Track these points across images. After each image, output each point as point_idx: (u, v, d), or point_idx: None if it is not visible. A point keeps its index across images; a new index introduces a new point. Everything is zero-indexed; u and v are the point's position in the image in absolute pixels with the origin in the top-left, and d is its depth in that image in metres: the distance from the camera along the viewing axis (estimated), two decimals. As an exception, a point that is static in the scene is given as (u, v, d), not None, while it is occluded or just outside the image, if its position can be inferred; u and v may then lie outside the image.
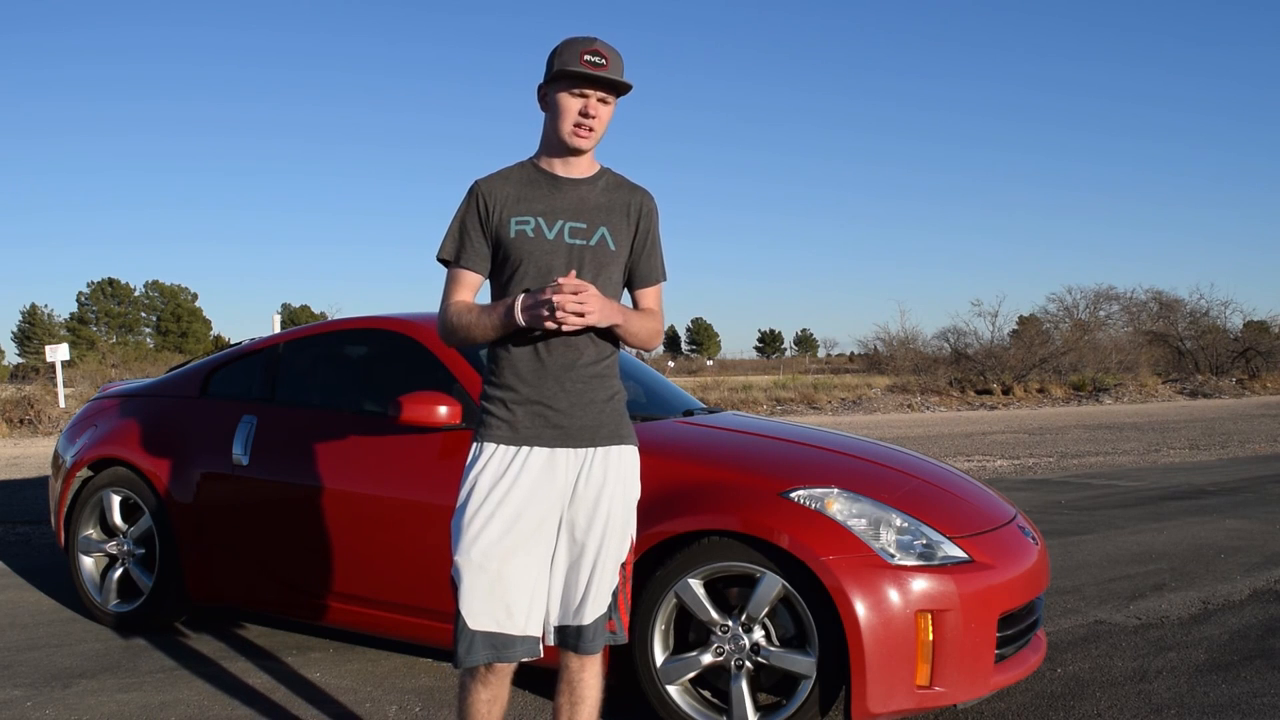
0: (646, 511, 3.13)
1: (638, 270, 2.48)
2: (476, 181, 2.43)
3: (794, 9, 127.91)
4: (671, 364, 61.05)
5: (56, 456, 4.84)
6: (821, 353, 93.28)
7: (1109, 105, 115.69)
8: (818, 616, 2.92)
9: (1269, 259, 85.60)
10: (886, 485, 3.31)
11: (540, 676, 3.12)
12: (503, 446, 2.34)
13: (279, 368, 4.24)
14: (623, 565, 2.42)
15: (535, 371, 2.34)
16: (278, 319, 18.14)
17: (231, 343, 5.14)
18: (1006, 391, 24.64)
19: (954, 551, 3.05)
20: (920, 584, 2.91)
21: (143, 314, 74.73)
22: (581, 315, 2.22)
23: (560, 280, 2.23)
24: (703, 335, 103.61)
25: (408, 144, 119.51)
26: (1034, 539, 3.47)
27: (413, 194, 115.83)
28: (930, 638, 2.89)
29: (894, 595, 2.88)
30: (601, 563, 2.37)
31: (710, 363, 72.61)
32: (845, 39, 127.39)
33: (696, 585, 3.06)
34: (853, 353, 62.60)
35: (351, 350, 4.30)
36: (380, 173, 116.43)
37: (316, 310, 68.78)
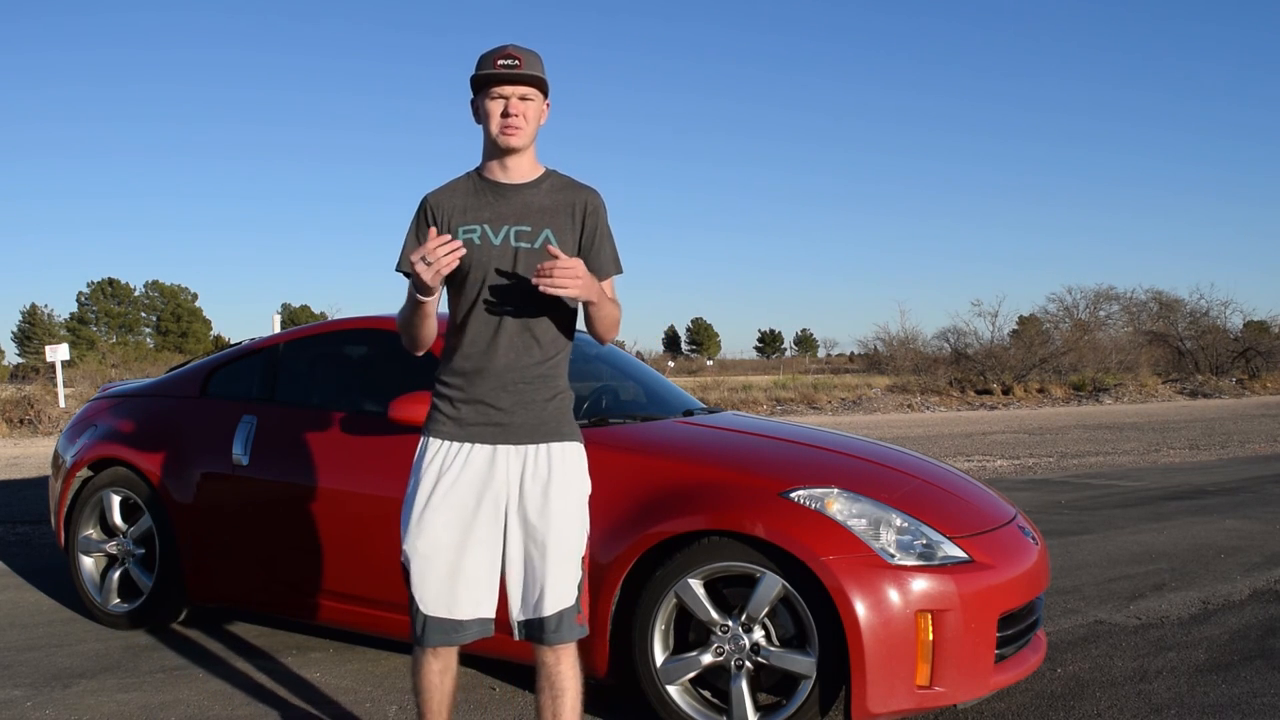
0: (647, 511, 3.15)
1: (588, 267, 2.50)
2: (426, 195, 2.54)
3: (795, 5, 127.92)
4: (671, 364, 61.04)
5: (56, 456, 4.84)
6: (821, 353, 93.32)
7: (1110, 105, 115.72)
8: (818, 616, 2.92)
9: (1269, 259, 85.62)
10: (886, 485, 3.31)
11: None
12: (448, 442, 2.47)
13: (279, 368, 4.24)
14: (581, 559, 2.50)
15: (480, 372, 2.45)
16: (278, 319, 18.14)
17: (231, 343, 5.14)
18: (1006, 391, 24.64)
19: (954, 551, 3.05)
20: (920, 584, 2.91)
21: (143, 314, 74.75)
22: (568, 283, 2.29)
23: (554, 257, 2.30)
24: (703, 335, 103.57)
25: (409, 144, 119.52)
26: (1034, 539, 3.47)
27: (414, 194, 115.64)
28: (930, 638, 2.89)
29: (894, 595, 2.87)
30: (556, 557, 2.44)
31: (710, 363, 72.61)
32: (844, 40, 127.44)
33: (696, 585, 3.06)
34: (853, 353, 62.64)
35: (351, 350, 4.30)
36: (381, 172, 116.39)
37: (316, 310, 68.83)
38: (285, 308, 72.59)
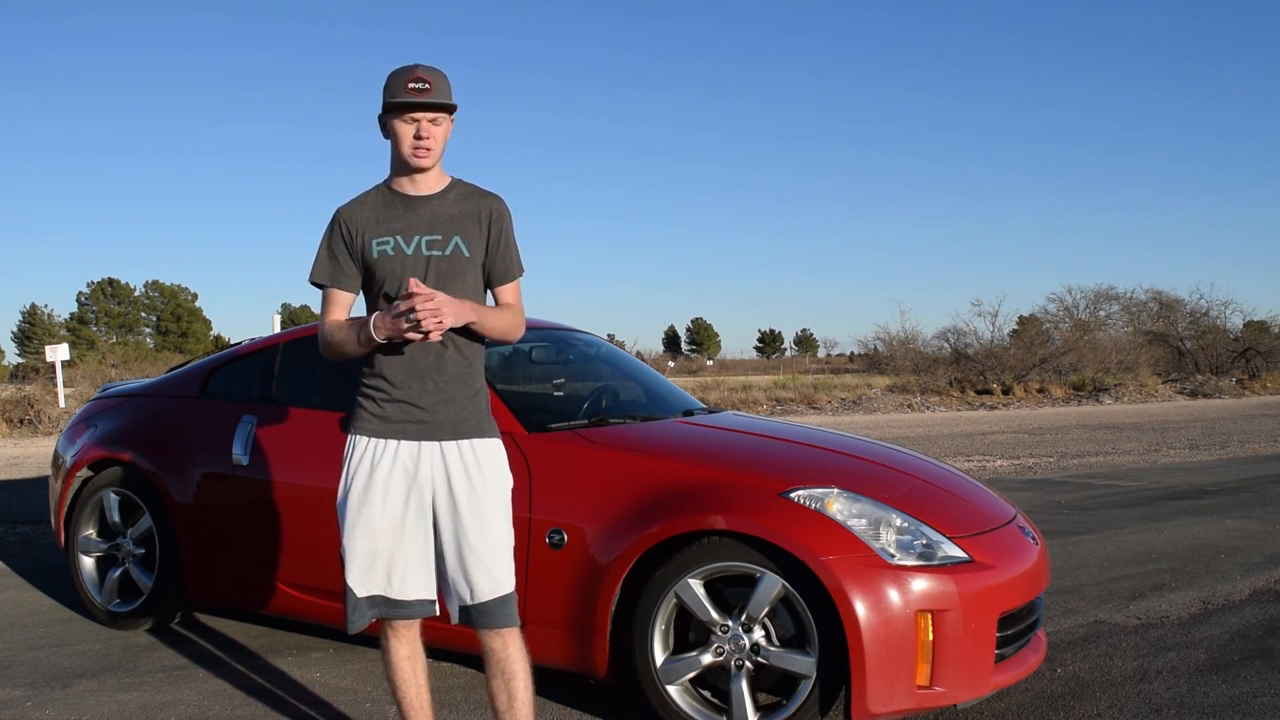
0: (647, 511, 3.15)
1: (494, 270, 2.68)
2: (338, 209, 2.66)
3: (794, 4, 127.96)
4: (671, 364, 61.02)
5: (56, 456, 4.84)
6: (821, 353, 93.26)
7: (1109, 105, 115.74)
8: (818, 616, 2.92)
9: (1269, 259, 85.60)
10: (886, 485, 3.31)
11: (537, 675, 3.11)
12: (375, 440, 2.60)
13: (278, 368, 4.24)
14: (512, 549, 2.64)
15: (404, 373, 2.58)
16: (278, 319, 18.15)
17: (231, 343, 5.14)
18: (1006, 391, 24.64)
19: (954, 551, 3.05)
20: (920, 584, 2.91)
21: (143, 314, 74.74)
22: (440, 320, 2.43)
23: (410, 292, 2.43)
24: (703, 335, 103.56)
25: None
26: (1034, 539, 3.47)
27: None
28: (930, 638, 2.89)
29: (894, 595, 2.87)
30: (485, 545, 2.57)
31: (710, 363, 72.57)
32: (843, 38, 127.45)
33: (696, 585, 3.06)
34: (853, 353, 62.62)
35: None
36: (381, 171, 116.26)
37: (316, 310, 68.41)
38: (285, 308, 72.62)
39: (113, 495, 4.40)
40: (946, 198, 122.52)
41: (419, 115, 2.53)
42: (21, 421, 15.75)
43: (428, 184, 2.63)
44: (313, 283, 2.69)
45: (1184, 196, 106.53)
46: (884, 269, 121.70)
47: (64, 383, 18.39)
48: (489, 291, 2.72)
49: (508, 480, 2.67)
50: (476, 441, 2.61)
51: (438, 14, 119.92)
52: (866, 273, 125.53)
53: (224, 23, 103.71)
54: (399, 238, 2.58)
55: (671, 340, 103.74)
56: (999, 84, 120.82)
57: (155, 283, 74.55)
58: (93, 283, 72.77)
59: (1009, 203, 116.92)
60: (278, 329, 11.93)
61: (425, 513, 2.59)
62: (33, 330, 67.71)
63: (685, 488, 3.18)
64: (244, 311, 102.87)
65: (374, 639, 4.11)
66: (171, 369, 4.92)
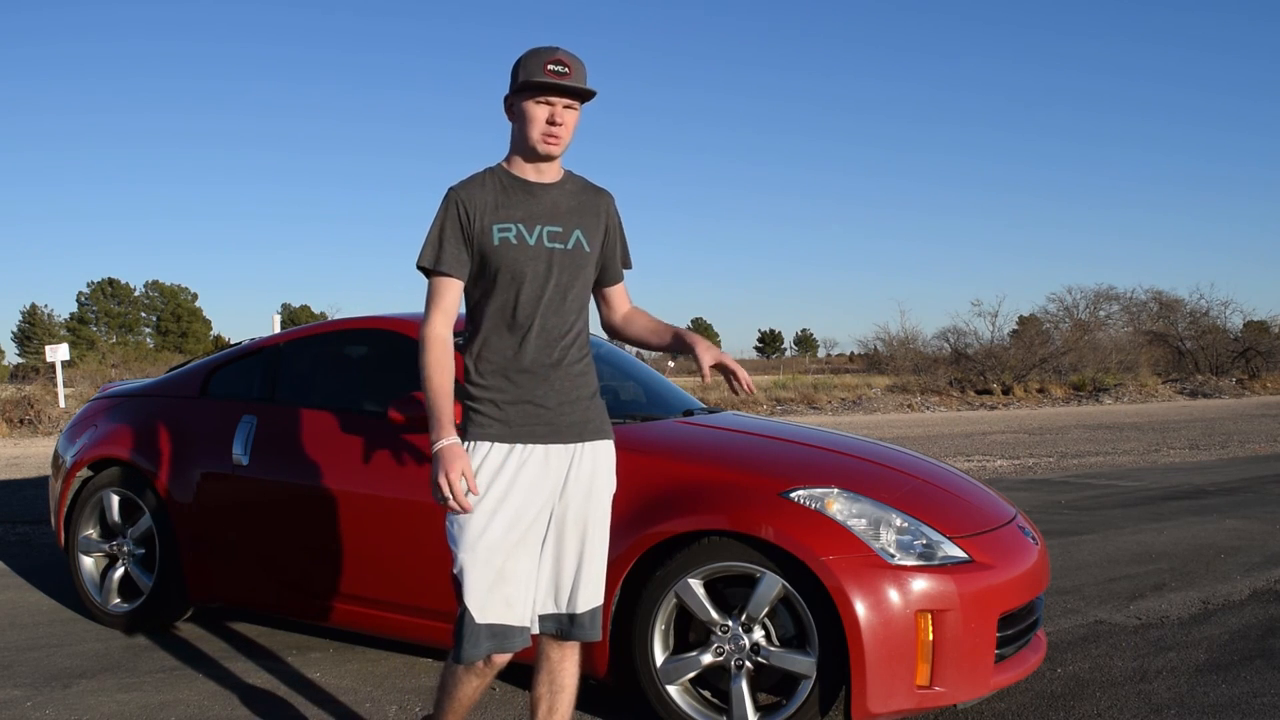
0: (647, 511, 3.15)
1: (610, 268, 2.62)
2: (453, 189, 2.45)
3: (795, 10, 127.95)
4: (671, 364, 60.88)
5: (56, 456, 4.84)
6: (821, 353, 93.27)
7: (1109, 106, 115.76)
8: (818, 616, 2.93)
9: (1269, 259, 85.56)
10: (886, 485, 3.31)
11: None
12: (498, 444, 2.40)
13: (279, 368, 4.24)
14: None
15: (525, 373, 2.41)
16: (278, 319, 18.15)
17: (231, 343, 5.14)
18: (1006, 391, 24.65)
19: (954, 551, 3.05)
20: (920, 584, 2.91)
21: (143, 314, 74.82)
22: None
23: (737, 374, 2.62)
24: (703, 335, 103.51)
25: (406, 151, 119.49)
26: (1034, 539, 3.47)
27: (411, 199, 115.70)
28: (930, 638, 2.89)
29: (894, 595, 2.88)
30: (592, 553, 2.48)
31: (710, 363, 72.30)
32: (844, 36, 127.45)
33: (696, 585, 3.06)
34: (853, 353, 62.64)
35: (351, 350, 4.30)
36: (381, 171, 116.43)
37: (316, 310, 68.84)
38: (285, 308, 72.67)
39: (113, 495, 4.40)
40: (947, 198, 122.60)
41: (554, 100, 2.37)
42: (21, 421, 15.76)
43: (550, 173, 2.48)
44: (422, 267, 2.44)
45: (1185, 195, 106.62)
46: (884, 269, 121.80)
47: (64, 383, 18.40)
48: (600, 288, 2.64)
49: (615, 484, 2.57)
50: (600, 444, 2.50)
51: (444, 6, 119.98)
52: (866, 272, 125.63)
53: (228, 21, 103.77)
54: (521, 225, 2.41)
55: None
56: (1000, 84, 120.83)
57: (155, 283, 74.69)
58: (93, 283, 72.92)
59: (1010, 202, 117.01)
60: (278, 329, 11.94)
61: (542, 523, 2.43)
62: (33, 330, 67.75)
63: (685, 487, 3.18)
64: (244, 311, 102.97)
65: (376, 639, 4.13)
66: (171, 369, 4.92)
